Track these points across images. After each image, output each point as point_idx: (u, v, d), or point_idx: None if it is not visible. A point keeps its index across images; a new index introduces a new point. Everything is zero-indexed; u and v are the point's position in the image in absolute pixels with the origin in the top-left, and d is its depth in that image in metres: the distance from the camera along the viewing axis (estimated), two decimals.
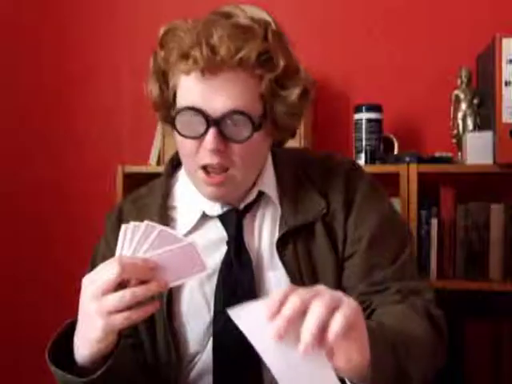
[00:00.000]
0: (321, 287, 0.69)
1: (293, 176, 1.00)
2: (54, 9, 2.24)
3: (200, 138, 0.88)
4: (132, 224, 0.81)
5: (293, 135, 1.02)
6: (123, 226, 0.81)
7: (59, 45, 2.23)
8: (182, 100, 0.90)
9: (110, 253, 0.98)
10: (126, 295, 0.75)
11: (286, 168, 1.01)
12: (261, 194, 0.99)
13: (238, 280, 0.95)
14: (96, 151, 2.19)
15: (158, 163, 1.89)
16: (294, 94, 0.90)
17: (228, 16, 0.89)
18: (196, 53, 0.85)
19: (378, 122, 1.83)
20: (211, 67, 0.86)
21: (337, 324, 0.64)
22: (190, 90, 0.89)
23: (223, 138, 0.88)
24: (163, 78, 0.93)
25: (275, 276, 0.96)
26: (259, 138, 0.91)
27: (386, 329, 0.80)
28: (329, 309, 0.65)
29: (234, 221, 0.97)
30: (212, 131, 0.87)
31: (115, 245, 0.81)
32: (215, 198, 0.96)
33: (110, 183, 1.93)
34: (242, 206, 0.98)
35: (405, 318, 0.86)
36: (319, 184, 0.99)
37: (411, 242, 1.01)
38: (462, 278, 1.69)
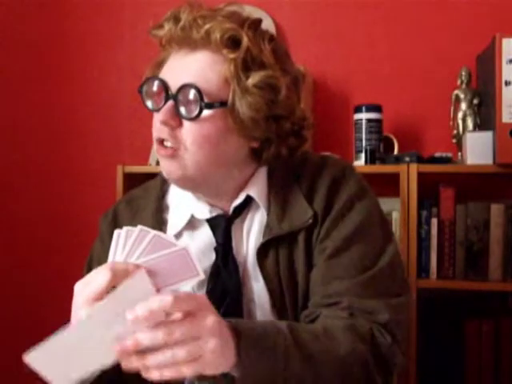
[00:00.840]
0: (204, 312, 0.70)
1: (285, 182, 0.97)
2: (55, 9, 2.24)
3: (159, 111, 0.89)
4: (125, 229, 0.80)
5: (300, 139, 0.97)
6: (116, 231, 0.80)
7: (60, 45, 2.23)
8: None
9: (105, 254, 0.98)
10: None
11: (280, 173, 0.98)
12: (251, 200, 0.97)
13: (225, 288, 0.94)
14: (96, 151, 2.19)
15: (158, 163, 1.88)
16: (253, 80, 0.87)
17: (217, 9, 0.91)
18: (164, 23, 0.90)
19: (378, 122, 1.83)
20: (176, 38, 0.89)
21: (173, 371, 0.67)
22: (166, 64, 0.92)
23: (178, 113, 0.88)
24: (161, 64, 0.95)
25: (257, 286, 0.95)
26: (214, 123, 0.88)
27: (289, 338, 0.78)
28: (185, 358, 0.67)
29: (223, 226, 0.96)
30: (167, 104, 0.88)
31: (110, 244, 0.81)
32: (167, 174, 0.93)
33: (110, 183, 1.93)
34: (230, 210, 0.97)
35: (331, 335, 0.82)
36: (307, 190, 0.96)
37: (393, 257, 0.94)
38: (462, 278, 1.69)
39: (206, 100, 0.86)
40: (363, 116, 1.83)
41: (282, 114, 0.92)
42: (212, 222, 0.97)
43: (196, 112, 0.86)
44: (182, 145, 0.89)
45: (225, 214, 0.97)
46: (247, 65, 0.87)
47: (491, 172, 1.68)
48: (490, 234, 1.67)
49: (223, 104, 0.87)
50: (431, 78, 1.93)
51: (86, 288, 0.76)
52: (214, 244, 0.96)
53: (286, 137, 0.94)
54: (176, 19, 0.89)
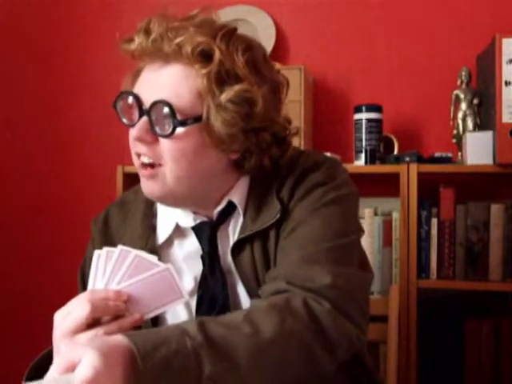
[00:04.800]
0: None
1: (264, 183, 0.95)
2: (54, 8, 2.24)
3: (133, 126, 0.88)
4: (105, 250, 0.78)
5: (282, 148, 0.94)
6: (96, 252, 0.79)
7: (60, 45, 2.23)
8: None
9: None
10: (98, 335, 0.73)
11: (261, 176, 0.95)
12: (234, 206, 0.95)
13: (214, 295, 0.93)
14: (96, 151, 2.19)
15: None
16: (227, 95, 0.84)
17: (189, 18, 0.89)
18: (134, 36, 0.88)
19: (378, 122, 1.83)
20: (147, 51, 0.87)
21: None
22: (140, 77, 0.90)
23: (152, 129, 0.86)
24: (137, 75, 0.94)
25: (243, 291, 0.94)
26: (189, 139, 0.86)
27: (198, 337, 0.69)
28: None
29: (208, 233, 0.94)
30: (141, 120, 0.86)
31: (101, 249, 0.80)
32: (148, 194, 0.91)
33: (110, 183, 1.93)
34: (214, 216, 0.95)
35: (252, 320, 0.75)
36: (279, 186, 0.93)
37: (351, 245, 0.90)
38: (462, 278, 1.69)
39: (178, 117, 0.84)
40: (363, 116, 1.83)
41: (260, 126, 0.89)
42: (197, 230, 0.95)
43: (170, 130, 0.84)
44: (160, 159, 0.87)
45: (209, 221, 0.96)
46: (221, 79, 0.85)
47: (491, 172, 1.68)
48: (490, 234, 1.67)
49: (197, 120, 0.85)
50: (431, 77, 1.93)
51: (65, 320, 0.74)
52: (201, 252, 0.95)
53: (267, 148, 0.92)
54: (147, 32, 0.87)
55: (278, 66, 1.87)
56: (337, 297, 0.81)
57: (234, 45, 0.87)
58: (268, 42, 1.96)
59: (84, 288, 1.00)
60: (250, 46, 0.89)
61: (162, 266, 0.77)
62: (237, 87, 0.85)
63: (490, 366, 1.66)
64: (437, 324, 1.71)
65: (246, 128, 0.87)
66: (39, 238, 2.23)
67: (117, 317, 0.76)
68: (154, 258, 0.78)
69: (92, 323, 0.74)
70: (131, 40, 0.89)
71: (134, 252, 0.77)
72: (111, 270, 0.77)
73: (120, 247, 0.78)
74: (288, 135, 0.95)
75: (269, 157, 0.93)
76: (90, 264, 1.01)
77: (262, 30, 1.99)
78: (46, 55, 2.24)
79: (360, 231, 0.96)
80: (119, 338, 0.66)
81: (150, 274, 0.76)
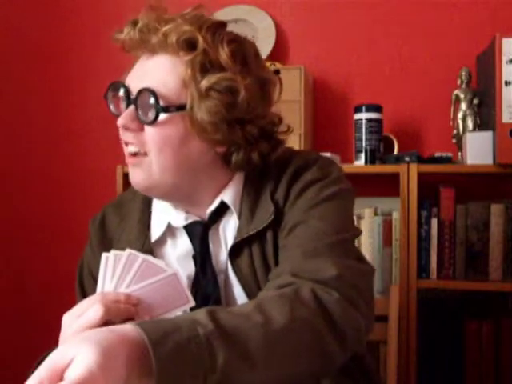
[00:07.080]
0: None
1: (258, 183, 0.95)
2: (54, 9, 2.24)
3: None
4: (113, 253, 0.78)
5: (272, 144, 0.94)
6: (104, 255, 0.79)
7: (60, 45, 2.23)
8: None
9: (94, 260, 0.97)
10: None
11: (255, 176, 0.96)
12: (226, 206, 0.95)
13: (206, 296, 0.93)
14: (96, 151, 2.19)
15: None
16: (208, 82, 0.86)
17: (181, 14, 0.91)
18: (124, 27, 0.91)
19: (378, 122, 1.83)
20: (135, 42, 0.90)
21: None
22: (131, 71, 0.93)
23: (138, 118, 0.88)
24: None
25: (239, 292, 0.94)
26: (173, 127, 0.88)
27: (209, 325, 0.66)
28: None
29: (200, 233, 0.95)
30: (128, 109, 0.89)
31: (99, 250, 0.80)
32: (135, 184, 0.93)
33: (110, 183, 1.93)
34: (206, 216, 0.96)
35: (263, 309, 0.72)
36: (273, 187, 0.94)
37: (348, 241, 0.90)
38: (462, 278, 1.69)
39: (162, 104, 0.86)
40: (363, 116, 1.83)
41: (245, 118, 0.89)
42: (189, 230, 0.96)
43: (153, 116, 0.87)
44: (145, 148, 0.89)
45: (201, 221, 0.96)
46: (205, 67, 0.87)
47: (491, 172, 1.68)
48: (490, 234, 1.67)
49: (180, 108, 0.87)
50: (431, 78, 1.93)
51: (76, 321, 0.73)
52: (193, 252, 0.95)
53: (255, 142, 0.92)
54: (134, 23, 0.90)
55: (278, 65, 1.87)
56: (344, 287, 0.81)
57: (219, 36, 0.89)
58: (268, 42, 1.96)
59: (82, 289, 1.01)
60: (237, 40, 0.91)
61: (170, 271, 0.77)
62: (219, 75, 0.87)
63: (490, 365, 1.66)
64: (437, 324, 1.71)
65: (230, 118, 0.88)
66: (39, 237, 2.23)
67: (126, 320, 0.75)
68: (161, 263, 0.79)
69: (101, 326, 0.73)
70: (121, 31, 0.92)
71: (142, 256, 0.77)
72: (120, 273, 0.77)
73: (128, 251, 0.78)
74: (276, 132, 0.96)
75: (258, 152, 0.93)
76: (87, 267, 1.00)
77: (261, 30, 1.99)
78: (45, 55, 2.24)
79: (356, 229, 0.95)
80: (127, 327, 0.62)
81: (158, 278, 0.77)
